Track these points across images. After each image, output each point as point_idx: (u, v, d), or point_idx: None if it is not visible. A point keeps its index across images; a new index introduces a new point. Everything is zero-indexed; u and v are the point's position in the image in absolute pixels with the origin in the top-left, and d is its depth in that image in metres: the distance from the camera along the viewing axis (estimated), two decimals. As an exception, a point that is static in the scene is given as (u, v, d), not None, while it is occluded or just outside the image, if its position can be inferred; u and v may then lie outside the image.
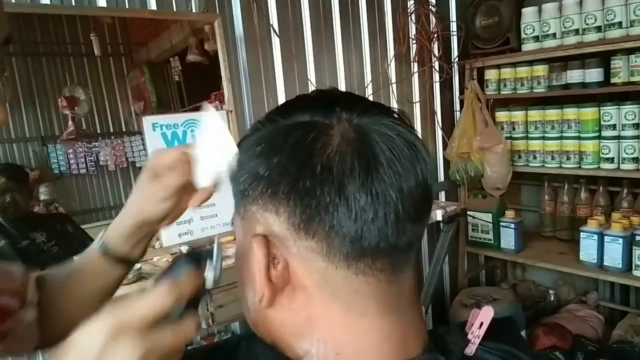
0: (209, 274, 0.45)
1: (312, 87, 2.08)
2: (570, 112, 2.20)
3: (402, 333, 0.45)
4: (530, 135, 2.37)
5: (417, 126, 2.51)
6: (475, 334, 0.49)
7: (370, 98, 2.35)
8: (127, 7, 1.68)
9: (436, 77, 2.54)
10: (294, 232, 0.41)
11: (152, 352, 0.37)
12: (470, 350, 0.48)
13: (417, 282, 0.47)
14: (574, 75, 2.15)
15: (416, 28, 2.40)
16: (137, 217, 0.64)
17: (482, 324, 0.49)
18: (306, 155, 0.40)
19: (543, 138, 2.32)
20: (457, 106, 2.65)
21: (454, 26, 2.51)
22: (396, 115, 0.45)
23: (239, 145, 0.47)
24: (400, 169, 0.40)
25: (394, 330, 0.44)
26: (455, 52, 2.56)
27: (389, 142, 0.41)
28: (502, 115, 2.47)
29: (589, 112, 2.13)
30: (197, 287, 0.43)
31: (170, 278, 0.42)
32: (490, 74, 2.44)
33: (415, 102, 2.49)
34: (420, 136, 0.45)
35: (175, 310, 0.40)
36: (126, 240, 0.66)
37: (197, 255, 0.46)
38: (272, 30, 1.96)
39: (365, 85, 2.29)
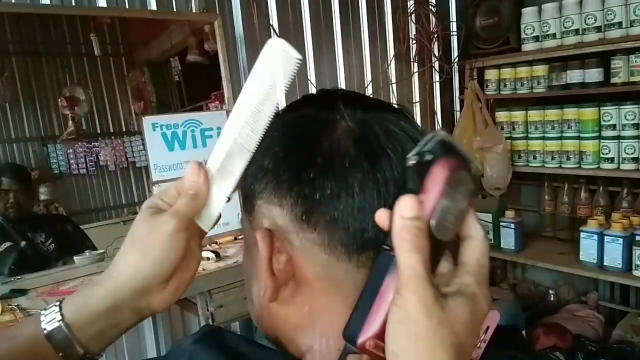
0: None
1: (312, 88, 2.08)
2: (570, 112, 2.20)
3: None
4: (530, 135, 2.37)
5: (417, 126, 2.51)
6: (481, 338, 0.48)
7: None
8: (127, 7, 1.68)
9: (436, 77, 2.54)
10: (296, 225, 0.41)
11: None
12: (476, 354, 0.47)
13: None
14: (574, 75, 2.15)
15: (416, 28, 2.40)
16: (130, 285, 0.44)
17: (488, 327, 0.48)
18: (309, 146, 0.40)
19: (543, 138, 2.32)
20: (457, 106, 2.65)
21: (454, 26, 2.51)
22: (400, 112, 0.45)
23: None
24: (402, 164, 0.40)
25: None
26: (455, 52, 2.56)
27: (392, 137, 0.41)
28: (502, 115, 2.47)
29: (588, 112, 2.13)
30: None
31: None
32: (490, 74, 2.44)
33: (415, 102, 2.49)
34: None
35: None
36: (91, 325, 0.45)
37: None
38: (272, 30, 1.96)
39: (365, 85, 2.29)
